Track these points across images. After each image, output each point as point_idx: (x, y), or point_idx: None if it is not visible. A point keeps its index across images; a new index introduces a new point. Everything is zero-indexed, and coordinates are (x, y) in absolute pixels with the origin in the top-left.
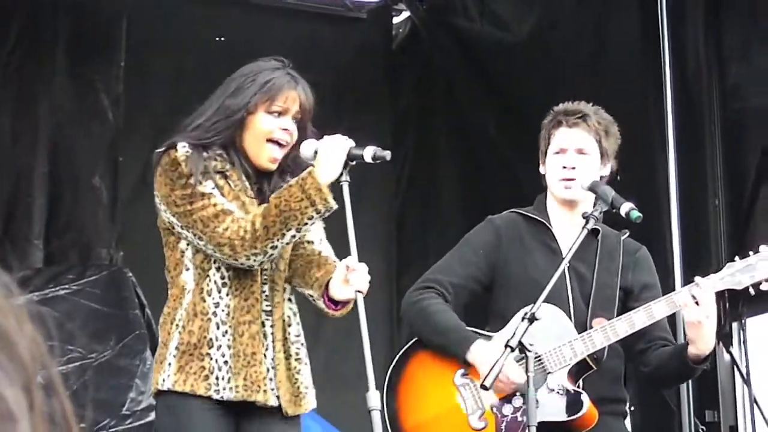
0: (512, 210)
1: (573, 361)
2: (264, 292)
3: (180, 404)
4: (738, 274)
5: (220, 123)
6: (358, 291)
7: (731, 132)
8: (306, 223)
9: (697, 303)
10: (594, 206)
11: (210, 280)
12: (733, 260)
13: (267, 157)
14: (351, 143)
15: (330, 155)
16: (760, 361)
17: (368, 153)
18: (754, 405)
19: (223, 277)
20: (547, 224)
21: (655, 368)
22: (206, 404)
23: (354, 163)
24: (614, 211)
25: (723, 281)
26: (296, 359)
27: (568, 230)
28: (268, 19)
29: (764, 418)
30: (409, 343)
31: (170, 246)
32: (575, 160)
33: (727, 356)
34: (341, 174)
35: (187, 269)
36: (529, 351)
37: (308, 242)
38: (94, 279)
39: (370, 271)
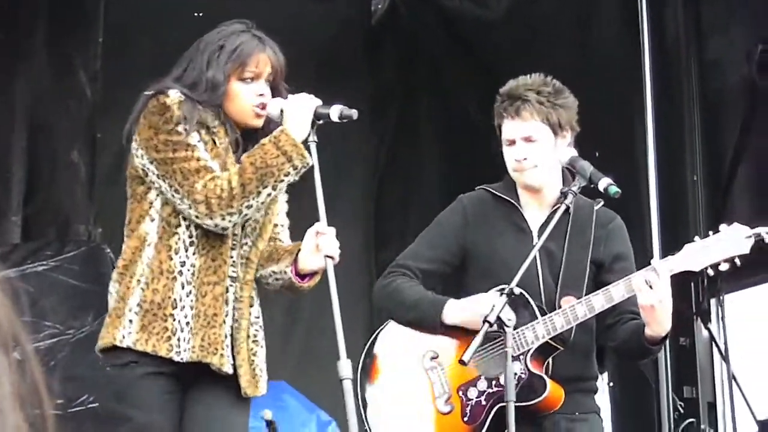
0: (482, 187)
1: (535, 345)
2: (232, 257)
3: (134, 367)
4: (697, 255)
5: (212, 95)
6: (328, 256)
7: (710, 108)
8: (282, 180)
9: (650, 287)
10: (572, 182)
11: (179, 238)
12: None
13: (251, 115)
14: (317, 102)
15: (296, 114)
16: (738, 338)
17: (334, 112)
18: (732, 381)
19: (191, 236)
20: (516, 204)
21: (619, 343)
22: (159, 372)
23: (321, 122)
24: (592, 186)
25: (681, 263)
26: (254, 341)
27: (536, 209)
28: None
29: (743, 394)
30: (381, 329)
31: (137, 197)
32: (524, 150)
33: (705, 333)
34: (309, 134)
35: (152, 220)
36: (507, 326)
37: (275, 225)
38: (72, 255)
39: (349, 247)
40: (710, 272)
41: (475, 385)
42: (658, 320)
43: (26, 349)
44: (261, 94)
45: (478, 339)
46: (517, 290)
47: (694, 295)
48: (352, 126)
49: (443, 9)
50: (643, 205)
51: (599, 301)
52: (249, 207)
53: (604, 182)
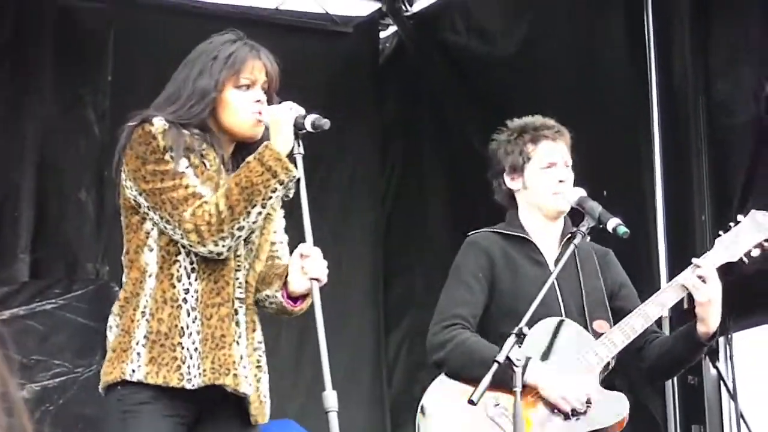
0: (485, 230)
1: (600, 366)
2: (237, 278)
3: (140, 412)
4: (731, 247)
5: (197, 107)
6: (314, 279)
7: (718, 148)
8: (270, 197)
9: (704, 281)
10: (580, 222)
11: (180, 266)
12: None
13: (251, 122)
14: (297, 112)
15: (278, 127)
16: (746, 376)
17: (308, 122)
18: (741, 420)
19: (192, 263)
20: (528, 238)
21: (657, 358)
22: (167, 410)
23: (304, 132)
24: (601, 226)
25: (719, 256)
26: (257, 366)
27: (547, 240)
28: (256, 32)
29: None
30: (436, 382)
31: (133, 227)
32: (566, 173)
33: (713, 371)
34: (293, 146)
35: (151, 250)
36: (517, 366)
37: (273, 243)
38: (81, 293)
39: (358, 282)
40: (745, 260)
41: (551, 421)
42: (714, 314)
43: (11, 393)
44: (258, 101)
45: (486, 379)
46: (527, 330)
47: None
48: (361, 160)
49: (450, 47)
50: (651, 244)
51: (653, 309)
52: (241, 228)
53: (612, 222)
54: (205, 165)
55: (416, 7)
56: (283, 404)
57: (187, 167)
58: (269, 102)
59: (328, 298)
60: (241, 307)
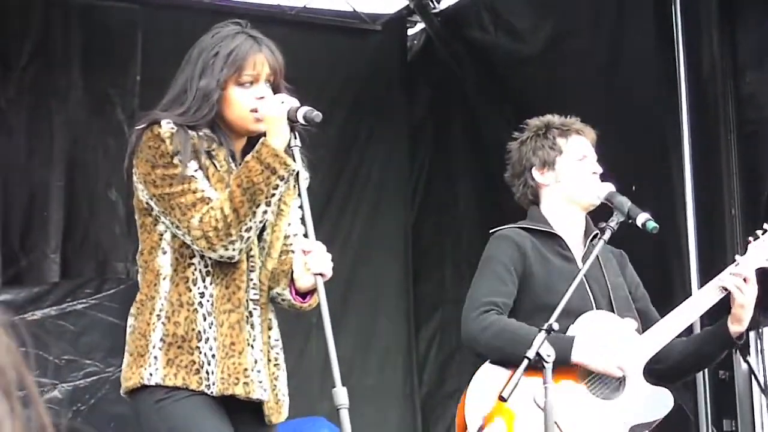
0: (512, 225)
1: (645, 361)
2: (251, 279)
3: (173, 396)
4: (764, 252)
5: (202, 109)
6: (318, 274)
7: (747, 141)
8: (273, 194)
9: (745, 281)
10: (609, 218)
11: (195, 269)
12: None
13: (251, 120)
14: (290, 104)
15: (272, 121)
16: None
17: (300, 114)
18: None
19: (206, 266)
20: (556, 233)
21: (681, 358)
22: (199, 397)
23: (298, 124)
24: (630, 222)
25: (755, 260)
26: (275, 364)
27: (573, 235)
28: (283, 31)
29: None
30: (481, 370)
31: (147, 228)
32: (597, 166)
33: (744, 365)
34: (290, 138)
35: (164, 252)
36: (547, 362)
37: (287, 237)
38: (112, 293)
39: (389, 278)
40: None
41: (593, 414)
42: (749, 314)
43: (32, 394)
44: (261, 97)
45: (518, 374)
46: (556, 326)
47: None
48: (391, 159)
49: (478, 44)
50: (681, 239)
51: (689, 311)
52: (249, 230)
53: (642, 218)
54: (215, 166)
55: (444, 4)
56: (314, 404)
57: (196, 170)
58: (277, 92)
59: (359, 296)
60: (255, 309)
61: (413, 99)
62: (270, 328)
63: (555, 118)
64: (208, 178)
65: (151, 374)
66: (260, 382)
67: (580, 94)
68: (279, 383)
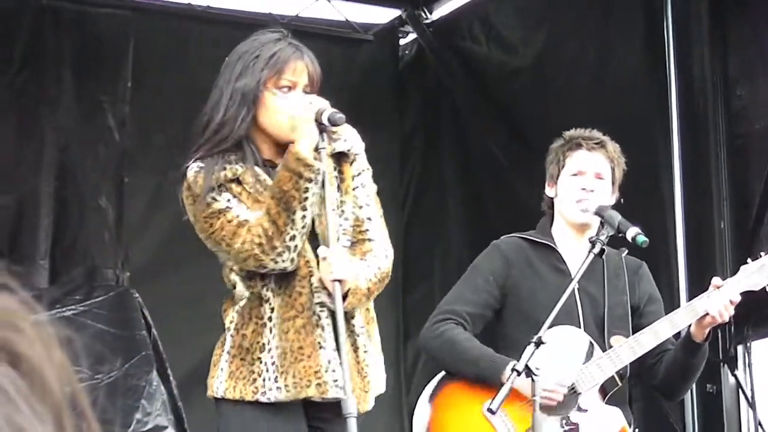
0: (514, 235)
1: (602, 379)
2: (312, 283)
3: (233, 415)
4: (754, 276)
5: (239, 109)
6: (335, 280)
7: (737, 155)
8: (306, 197)
9: (725, 308)
10: (599, 231)
11: (265, 287)
12: (746, 263)
13: (287, 128)
14: (318, 106)
15: (297, 124)
16: (765, 385)
17: (325, 116)
18: (759, 428)
19: (271, 281)
20: (553, 246)
21: (666, 371)
22: (258, 411)
23: (324, 126)
24: (620, 235)
25: (740, 284)
26: (364, 351)
27: (574, 252)
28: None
29: None
30: (436, 379)
31: (220, 262)
32: (593, 183)
33: (732, 379)
34: (318, 141)
35: (232, 270)
36: (536, 375)
37: (361, 222)
38: (101, 300)
39: None
40: None
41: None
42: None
43: (86, 414)
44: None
45: (506, 388)
46: (546, 339)
47: (720, 341)
48: (380, 167)
49: (470, 54)
50: (671, 251)
51: (664, 327)
52: (293, 238)
53: (632, 231)
54: (246, 190)
55: (436, 15)
56: None
57: (229, 201)
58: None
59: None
60: (323, 310)
61: (404, 109)
62: (352, 317)
63: (579, 132)
64: (243, 203)
65: (217, 387)
66: (335, 381)
67: (570, 106)
68: (370, 369)
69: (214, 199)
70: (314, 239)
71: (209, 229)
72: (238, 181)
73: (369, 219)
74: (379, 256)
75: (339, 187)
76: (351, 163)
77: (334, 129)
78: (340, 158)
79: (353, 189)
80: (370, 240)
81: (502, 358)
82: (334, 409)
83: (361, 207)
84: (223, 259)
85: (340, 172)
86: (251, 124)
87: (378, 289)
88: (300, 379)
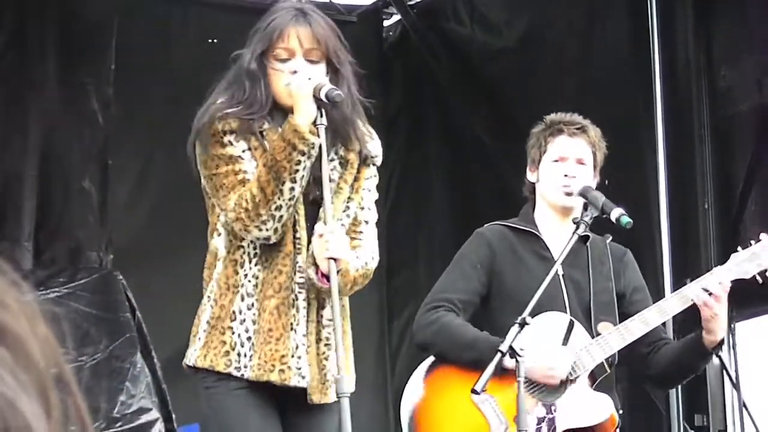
0: (497, 222)
1: (592, 366)
2: (297, 262)
3: (210, 386)
4: (744, 264)
5: (254, 86)
6: (329, 258)
7: (721, 137)
8: (297, 170)
9: (710, 294)
10: (583, 212)
11: (244, 252)
12: (736, 251)
13: (285, 95)
14: (316, 82)
15: (296, 98)
16: (749, 365)
17: (323, 92)
18: (743, 409)
19: (255, 248)
20: (536, 233)
21: (665, 367)
22: (234, 384)
23: (323, 102)
24: (604, 216)
25: (730, 272)
26: (326, 344)
27: (558, 238)
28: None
29: (753, 422)
30: (428, 361)
31: (210, 209)
32: (575, 169)
33: (716, 360)
34: (316, 116)
35: (219, 234)
36: (520, 356)
37: (357, 223)
38: (85, 282)
39: None
40: (759, 279)
41: (531, 413)
42: (720, 326)
43: (72, 390)
44: (294, 72)
45: (490, 368)
46: (530, 320)
47: None
48: None
49: (453, 36)
50: (654, 233)
51: (653, 315)
52: (279, 208)
53: (616, 213)
54: (264, 147)
55: None
56: None
57: (244, 151)
58: (336, 72)
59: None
60: (301, 291)
61: (388, 91)
62: (323, 308)
63: (557, 116)
64: (255, 159)
65: (189, 355)
66: (299, 368)
67: (554, 87)
68: (329, 363)
69: (231, 143)
70: (314, 217)
71: (213, 171)
72: (261, 134)
73: (366, 222)
74: (367, 256)
75: (353, 185)
76: (368, 167)
77: (362, 128)
78: (365, 160)
79: (362, 190)
80: (361, 240)
81: (499, 340)
82: (298, 397)
83: (362, 209)
84: (218, 210)
85: (359, 171)
86: (272, 94)
87: (361, 283)
88: (265, 362)
